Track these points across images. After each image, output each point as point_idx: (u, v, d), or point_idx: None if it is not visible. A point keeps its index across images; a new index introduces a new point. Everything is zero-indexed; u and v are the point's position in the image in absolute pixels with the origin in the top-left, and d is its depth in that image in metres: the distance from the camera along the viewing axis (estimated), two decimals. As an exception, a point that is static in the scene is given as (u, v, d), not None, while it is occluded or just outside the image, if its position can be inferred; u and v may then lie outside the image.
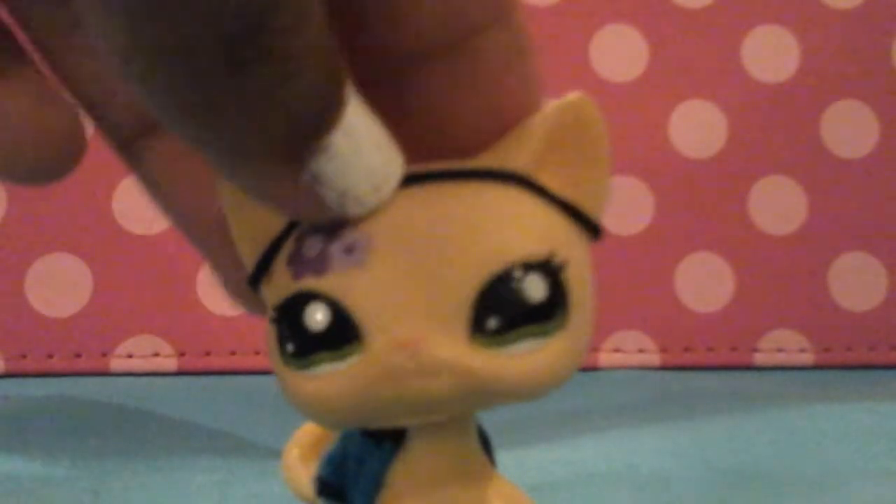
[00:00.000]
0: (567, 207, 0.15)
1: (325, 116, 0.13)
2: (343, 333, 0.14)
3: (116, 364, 0.39)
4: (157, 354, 0.39)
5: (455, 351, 0.13)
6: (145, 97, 0.12)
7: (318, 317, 0.14)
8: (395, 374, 0.13)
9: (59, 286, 0.39)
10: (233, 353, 0.39)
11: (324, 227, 0.14)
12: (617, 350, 0.41)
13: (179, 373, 0.39)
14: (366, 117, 0.14)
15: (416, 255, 0.14)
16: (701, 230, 0.42)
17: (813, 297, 0.42)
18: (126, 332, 0.39)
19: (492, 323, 0.13)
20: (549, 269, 0.14)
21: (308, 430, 0.18)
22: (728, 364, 0.41)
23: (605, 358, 0.40)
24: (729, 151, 0.42)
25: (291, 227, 0.15)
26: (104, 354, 0.39)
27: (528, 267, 0.14)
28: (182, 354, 0.39)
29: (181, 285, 0.39)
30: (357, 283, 0.14)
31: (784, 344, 0.41)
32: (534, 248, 0.14)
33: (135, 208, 0.39)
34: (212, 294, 0.39)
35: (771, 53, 0.42)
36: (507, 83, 0.14)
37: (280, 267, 0.15)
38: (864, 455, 0.28)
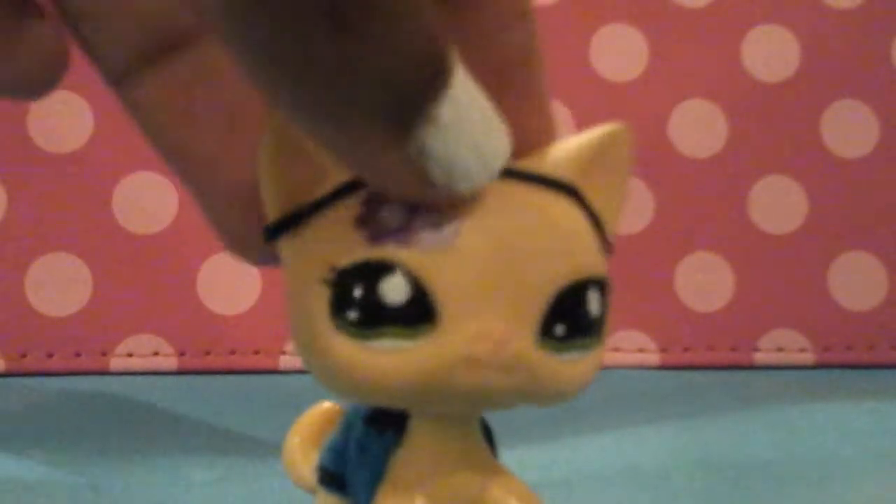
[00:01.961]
0: (597, 225, 0.15)
1: (432, 82, 0.12)
2: (419, 312, 0.13)
3: (116, 363, 0.39)
4: (157, 354, 0.39)
5: (530, 350, 0.14)
6: (239, 57, 0.12)
7: (398, 290, 0.13)
8: (472, 363, 0.14)
9: (59, 286, 0.39)
10: (233, 353, 0.39)
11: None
12: (616, 349, 0.41)
13: (179, 372, 0.39)
14: (473, 88, 0.13)
15: (500, 251, 0.14)
16: (701, 230, 0.42)
17: (813, 297, 0.41)
18: (126, 331, 0.39)
19: (559, 330, 0.14)
20: (603, 288, 0.15)
21: (310, 419, 0.18)
22: (728, 364, 0.41)
23: (604, 357, 0.40)
24: (729, 151, 0.42)
25: (351, 186, 0.14)
26: (104, 353, 0.39)
27: (593, 283, 0.14)
28: (182, 354, 0.39)
29: (181, 285, 0.39)
30: (443, 265, 0.13)
31: (784, 344, 0.41)
32: (599, 266, 0.15)
33: (135, 208, 0.39)
34: (212, 293, 0.39)
35: (771, 53, 0.42)
36: (523, 81, 0.15)
37: (339, 224, 0.14)
38: (864, 455, 0.28)
